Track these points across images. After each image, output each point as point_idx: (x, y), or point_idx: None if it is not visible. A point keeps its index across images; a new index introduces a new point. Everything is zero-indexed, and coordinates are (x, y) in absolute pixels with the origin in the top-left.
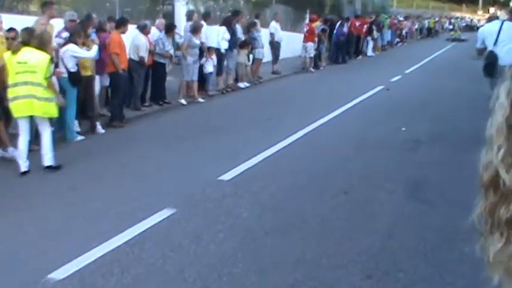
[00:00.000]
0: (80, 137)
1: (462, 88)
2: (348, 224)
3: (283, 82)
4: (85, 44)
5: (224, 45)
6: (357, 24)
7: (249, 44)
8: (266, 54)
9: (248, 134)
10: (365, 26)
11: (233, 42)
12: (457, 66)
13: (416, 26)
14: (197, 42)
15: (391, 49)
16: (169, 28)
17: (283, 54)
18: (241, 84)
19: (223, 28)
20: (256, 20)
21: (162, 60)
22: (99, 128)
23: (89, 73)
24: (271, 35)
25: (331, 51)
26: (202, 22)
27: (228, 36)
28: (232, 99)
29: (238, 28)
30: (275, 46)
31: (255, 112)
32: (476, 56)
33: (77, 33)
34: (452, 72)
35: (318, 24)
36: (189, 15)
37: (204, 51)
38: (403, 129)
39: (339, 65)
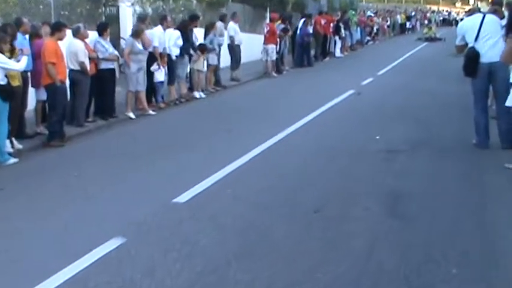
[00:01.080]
0: (12, 160)
1: (441, 90)
2: (322, 245)
3: (243, 89)
4: (13, 53)
5: (175, 52)
6: (323, 22)
7: (206, 49)
8: (224, 59)
9: (205, 149)
10: (331, 24)
11: (185, 49)
12: (435, 66)
13: (388, 23)
14: (140, 47)
15: (361, 49)
16: (103, 28)
17: (243, 58)
18: (197, 94)
19: (177, 33)
20: (220, 22)
21: (110, 66)
22: (16, 144)
23: (16, 83)
24: (231, 38)
25: (295, 53)
26: (157, 26)
27: (181, 42)
28: (186, 111)
29: (195, 33)
30: (235, 50)
31: (212, 124)
32: (455, 54)
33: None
34: (429, 72)
35: (278, 24)
36: (142, 18)
37: (156, 57)
38: (377, 137)
39: (304, 69)
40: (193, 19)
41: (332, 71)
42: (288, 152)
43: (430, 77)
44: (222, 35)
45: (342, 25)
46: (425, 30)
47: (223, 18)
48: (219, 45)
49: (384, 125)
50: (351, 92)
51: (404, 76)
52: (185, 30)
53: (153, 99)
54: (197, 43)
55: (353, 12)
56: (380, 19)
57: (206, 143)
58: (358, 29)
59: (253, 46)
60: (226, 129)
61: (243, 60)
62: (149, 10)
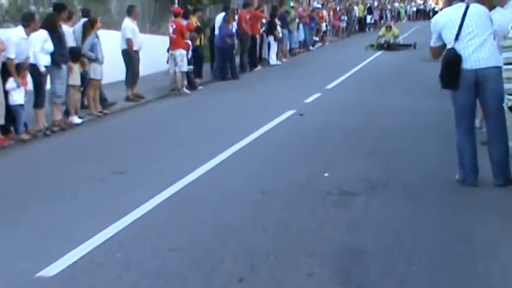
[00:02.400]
0: None
1: (410, 107)
2: None
3: (143, 112)
4: None
5: (43, 60)
6: (248, 17)
7: (79, 55)
8: (118, 71)
9: (85, 198)
10: (262, 21)
11: (60, 55)
12: (402, 75)
13: (343, 17)
14: None
15: (305, 53)
16: None
17: (143, 69)
18: (76, 119)
19: (43, 34)
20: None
21: None
22: None
23: None
24: (127, 41)
25: (214, 61)
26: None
27: (50, 46)
28: (60, 145)
29: (68, 31)
30: (132, 58)
31: (96, 163)
32: (430, 58)
33: None
34: (394, 84)
35: (195, 21)
36: None
37: (10, 71)
38: (326, 174)
39: (228, 82)
40: (60, 9)
41: (265, 84)
42: (203, 199)
43: (395, 91)
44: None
45: (277, 22)
46: (382, 31)
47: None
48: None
49: (334, 157)
50: (290, 112)
51: (362, 90)
52: (53, 28)
53: (12, 129)
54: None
55: (291, 4)
56: (331, 13)
57: (85, 190)
58: (301, 26)
59: (158, 52)
60: (116, 171)
61: (143, 71)
62: (3, 2)
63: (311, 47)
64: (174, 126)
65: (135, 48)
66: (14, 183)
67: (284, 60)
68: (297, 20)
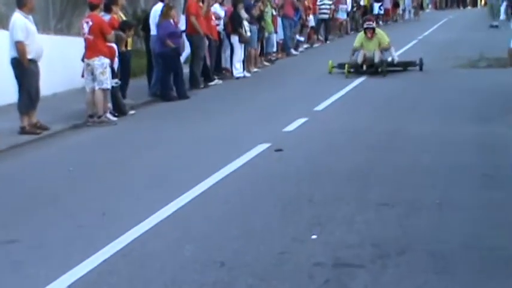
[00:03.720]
0: None
1: (437, 137)
2: None
3: (46, 151)
4: None
5: None
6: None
7: None
8: (6, 89)
9: None
10: (220, 14)
11: None
12: (425, 88)
13: (346, 6)
14: None
15: (284, 60)
16: None
17: (47, 87)
18: None
19: None
20: None
21: None
22: None
23: None
24: (18, 45)
25: (152, 75)
26: None
27: None
28: None
29: None
30: (26, 71)
31: None
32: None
33: None
34: (413, 101)
35: (120, 14)
36: None
37: None
38: (314, 236)
39: (171, 104)
40: None
41: (226, 105)
42: (130, 278)
43: (414, 112)
44: None
45: (243, 15)
46: (358, 40)
47: None
48: None
49: (325, 210)
50: (263, 147)
51: (366, 112)
52: None
53: None
54: None
55: None
56: (328, 0)
57: None
58: (280, 21)
59: (69, 60)
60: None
61: (46, 90)
62: None
63: (293, 51)
64: (90, 172)
65: (29, 56)
66: None
67: (254, 70)
68: (271, 12)
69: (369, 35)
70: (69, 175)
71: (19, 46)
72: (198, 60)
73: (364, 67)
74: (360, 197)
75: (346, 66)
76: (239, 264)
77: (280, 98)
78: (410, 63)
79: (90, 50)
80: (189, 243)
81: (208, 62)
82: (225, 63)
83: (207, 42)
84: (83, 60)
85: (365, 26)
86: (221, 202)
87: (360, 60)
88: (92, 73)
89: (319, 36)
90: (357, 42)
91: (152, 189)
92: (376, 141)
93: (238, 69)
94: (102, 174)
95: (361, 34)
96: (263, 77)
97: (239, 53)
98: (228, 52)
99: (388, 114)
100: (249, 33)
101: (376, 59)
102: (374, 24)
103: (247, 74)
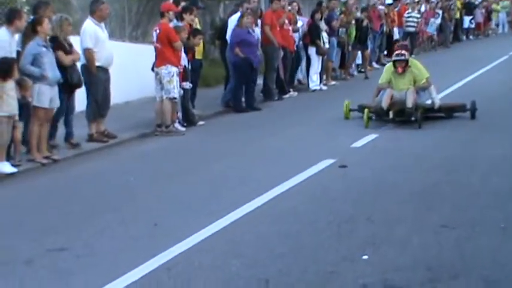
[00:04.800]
0: None
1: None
2: None
3: (111, 160)
4: None
5: None
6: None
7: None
8: (78, 96)
9: None
10: (299, 26)
11: None
12: None
13: (437, 21)
14: None
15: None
16: None
17: (119, 95)
18: (6, 168)
19: None
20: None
21: None
22: None
23: None
24: (86, 52)
25: (227, 83)
26: None
27: None
28: None
29: (4, 38)
30: (94, 78)
31: (30, 239)
32: None
33: None
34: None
35: (191, 21)
36: None
37: None
38: (365, 257)
39: (242, 115)
40: None
41: (297, 118)
42: None
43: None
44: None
45: (323, 26)
46: (386, 73)
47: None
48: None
49: (382, 230)
50: (327, 162)
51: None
52: None
53: None
54: None
55: None
56: (416, 13)
57: None
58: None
59: (143, 68)
60: (55, 250)
61: (119, 98)
62: None
63: (375, 64)
64: (151, 183)
65: (98, 63)
66: None
67: (332, 83)
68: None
69: (399, 70)
70: (130, 184)
71: (87, 53)
72: (271, 72)
73: (391, 114)
74: (420, 218)
75: (366, 111)
76: (283, 282)
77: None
78: (458, 107)
79: (159, 59)
80: (236, 258)
81: (282, 73)
82: (300, 74)
83: (281, 53)
84: (152, 69)
85: (394, 57)
86: (275, 218)
87: (385, 103)
88: (161, 82)
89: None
90: (383, 78)
91: (208, 202)
92: (445, 160)
93: (314, 82)
94: (162, 185)
95: (389, 66)
96: (340, 90)
97: (316, 65)
98: (304, 64)
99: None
100: (327, 45)
101: (409, 103)
102: (407, 55)
103: (324, 87)
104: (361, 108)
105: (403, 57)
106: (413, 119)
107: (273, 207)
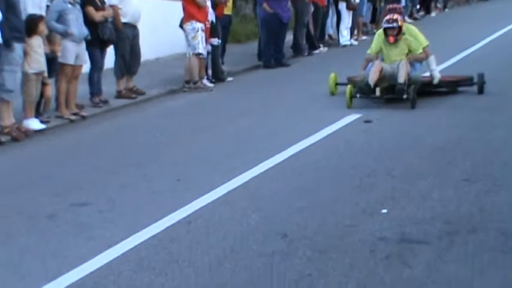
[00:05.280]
0: None
1: None
2: None
3: (137, 116)
4: None
5: None
6: None
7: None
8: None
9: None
10: None
11: (10, 27)
12: None
13: None
14: None
15: None
16: None
17: (148, 51)
18: (35, 124)
19: None
20: None
21: None
22: None
23: None
24: (112, 8)
25: (261, 41)
26: None
27: None
28: (6, 163)
29: None
30: (121, 35)
31: (55, 196)
32: None
33: None
34: None
35: None
36: None
37: None
38: (384, 211)
39: (271, 71)
40: None
41: (326, 74)
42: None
43: None
44: None
45: None
46: (376, 42)
47: None
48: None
49: (403, 184)
50: (353, 117)
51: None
52: None
53: None
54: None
55: None
56: None
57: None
58: None
59: (174, 25)
60: (76, 205)
61: (150, 54)
62: None
63: (407, 19)
64: (176, 138)
65: (124, 19)
66: None
67: (363, 38)
68: None
69: (391, 39)
70: (156, 140)
71: (112, 10)
72: (301, 27)
73: (377, 91)
74: (441, 172)
75: (348, 88)
76: (301, 236)
77: None
78: (463, 81)
79: (185, 15)
80: (255, 212)
81: (312, 29)
82: (330, 30)
83: (312, 8)
84: (180, 26)
85: (384, 23)
86: (296, 172)
87: (372, 78)
88: (190, 37)
89: (437, 4)
90: (372, 48)
91: (232, 157)
92: (473, 115)
93: (344, 37)
94: (187, 141)
95: (379, 34)
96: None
97: (346, 20)
98: (334, 19)
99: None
100: (357, 0)
101: (401, 78)
102: (399, 21)
103: (355, 42)
104: (350, 82)
105: (394, 24)
106: (405, 97)
107: (294, 161)
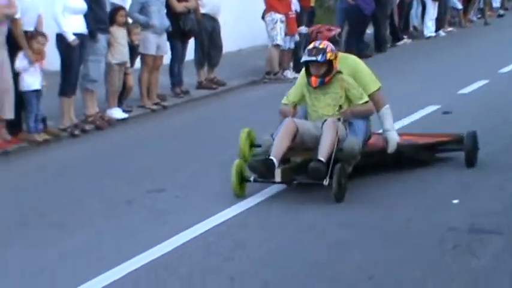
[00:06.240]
0: None
1: None
2: None
3: (217, 107)
4: None
5: (72, 25)
6: None
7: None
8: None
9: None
10: None
11: (95, 19)
12: None
13: None
14: None
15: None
16: None
17: (230, 43)
18: (118, 113)
19: None
20: None
21: None
22: None
23: None
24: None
25: (344, 34)
26: None
27: (79, 2)
28: (91, 150)
29: None
30: (200, 26)
31: (133, 182)
32: None
33: None
34: None
35: None
36: None
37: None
38: (455, 201)
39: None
40: None
41: (407, 66)
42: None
43: None
44: None
45: None
46: (294, 91)
47: None
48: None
49: (478, 176)
50: (431, 108)
51: None
52: None
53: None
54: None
55: None
56: None
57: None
58: None
59: (257, 17)
60: (155, 191)
61: (233, 46)
62: None
63: (500, 11)
64: (257, 128)
65: (203, 10)
66: (9, 204)
67: (449, 30)
68: None
69: (313, 81)
70: (233, 129)
71: (194, 0)
72: (384, 19)
73: (278, 174)
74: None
75: (235, 166)
76: (367, 226)
77: (468, 59)
78: (444, 144)
79: (266, 6)
80: (311, 207)
81: (396, 20)
82: (414, 21)
83: None
84: (262, 17)
85: (305, 55)
86: None
87: (276, 151)
88: (271, 30)
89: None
90: (290, 94)
91: None
92: None
93: (429, 28)
94: (265, 132)
95: (302, 73)
96: (457, 38)
97: (431, 11)
98: (418, 10)
99: None
100: None
101: (322, 151)
102: (328, 52)
103: (442, 34)
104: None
105: (319, 58)
106: (325, 183)
107: None
